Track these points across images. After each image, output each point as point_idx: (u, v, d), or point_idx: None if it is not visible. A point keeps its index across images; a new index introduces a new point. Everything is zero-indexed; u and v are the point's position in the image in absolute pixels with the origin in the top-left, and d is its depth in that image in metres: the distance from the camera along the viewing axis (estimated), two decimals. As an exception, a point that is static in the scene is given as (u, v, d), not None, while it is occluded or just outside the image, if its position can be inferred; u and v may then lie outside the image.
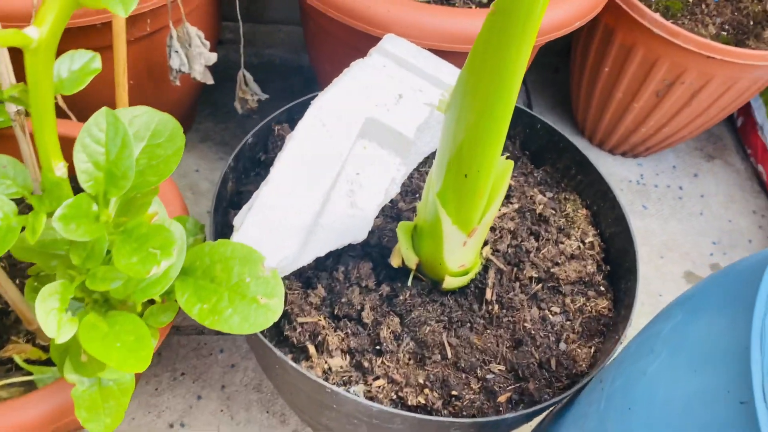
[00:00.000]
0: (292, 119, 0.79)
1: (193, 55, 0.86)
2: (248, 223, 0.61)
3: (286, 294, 0.66)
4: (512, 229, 0.75)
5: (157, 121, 0.55)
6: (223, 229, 0.72)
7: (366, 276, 0.68)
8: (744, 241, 1.20)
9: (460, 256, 0.63)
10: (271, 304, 0.54)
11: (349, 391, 0.63)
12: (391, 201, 0.74)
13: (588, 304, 0.72)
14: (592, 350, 0.69)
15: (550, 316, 0.71)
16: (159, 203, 0.63)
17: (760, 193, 1.27)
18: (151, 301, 0.61)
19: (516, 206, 0.78)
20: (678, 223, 1.20)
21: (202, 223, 0.73)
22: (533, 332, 0.69)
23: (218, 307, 0.54)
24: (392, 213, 0.74)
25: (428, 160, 0.80)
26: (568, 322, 0.71)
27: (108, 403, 0.57)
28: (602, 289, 0.74)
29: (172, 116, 0.57)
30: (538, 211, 0.78)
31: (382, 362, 0.65)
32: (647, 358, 0.46)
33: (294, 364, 0.60)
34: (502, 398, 0.64)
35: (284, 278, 0.68)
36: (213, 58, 0.88)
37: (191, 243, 0.71)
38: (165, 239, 0.48)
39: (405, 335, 0.66)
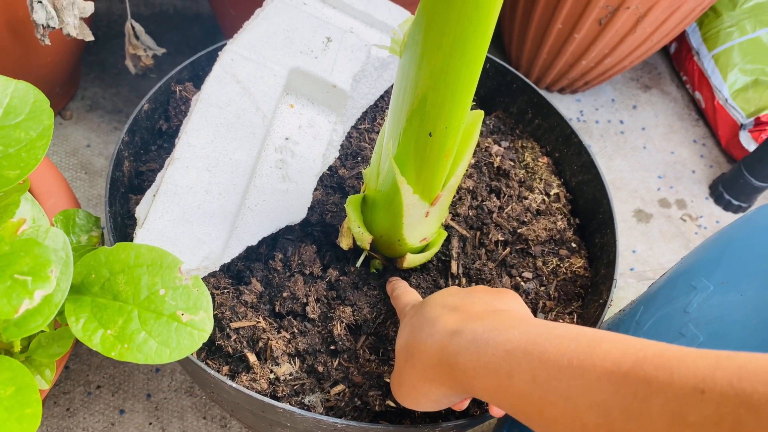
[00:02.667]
0: (198, 76, 0.65)
1: (62, 6, 0.69)
2: (155, 215, 0.48)
3: (213, 297, 0.54)
4: (471, 188, 0.65)
5: (10, 94, 0.41)
6: (125, 221, 0.58)
7: (310, 261, 0.56)
8: (688, 172, 1.16)
9: (423, 229, 0.52)
10: (197, 321, 0.42)
11: (303, 403, 0.52)
12: (330, 168, 0.62)
13: (562, 264, 0.64)
14: (574, 317, 0.61)
15: (522, 283, 0.62)
16: (32, 201, 0.48)
17: (699, 121, 1.23)
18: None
19: (472, 161, 0.68)
20: (623, 160, 1.15)
21: (96, 216, 0.58)
22: (507, 305, 0.60)
23: (127, 332, 0.41)
24: (333, 182, 0.62)
25: (366, 115, 0.68)
26: (543, 288, 0.63)
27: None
28: (574, 245, 0.66)
29: (37, 84, 0.42)
30: (495, 164, 0.68)
31: (340, 363, 0.54)
32: (675, 343, 0.38)
33: (232, 384, 0.48)
34: (482, 388, 0.55)
35: (210, 275, 0.55)
36: (89, 8, 0.71)
37: (85, 242, 0.56)
38: (37, 259, 0.35)
39: (362, 328, 0.56)
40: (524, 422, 0.34)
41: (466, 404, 0.49)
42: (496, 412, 0.47)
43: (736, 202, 1.09)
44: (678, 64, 1.28)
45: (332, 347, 0.54)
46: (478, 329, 0.38)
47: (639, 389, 0.27)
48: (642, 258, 1.04)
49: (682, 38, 1.25)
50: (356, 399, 0.53)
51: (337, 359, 0.54)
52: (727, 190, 1.10)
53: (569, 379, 0.31)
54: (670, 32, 1.00)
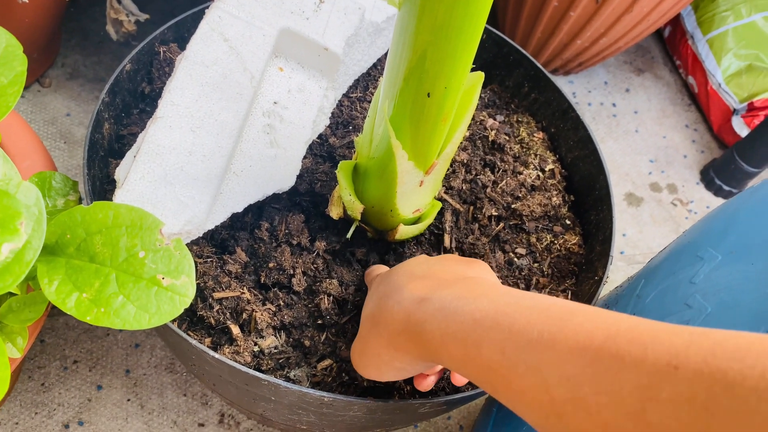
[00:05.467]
0: (183, 38, 0.62)
1: (41, -39, 0.66)
2: (135, 176, 0.46)
3: (196, 265, 0.51)
4: (465, 161, 0.63)
5: (-21, 37, 0.38)
6: (104, 186, 0.56)
7: (297, 231, 0.54)
8: (679, 156, 1.15)
9: (416, 199, 0.50)
10: (178, 285, 0.40)
11: (289, 377, 0.50)
12: (320, 136, 0.60)
13: (556, 241, 0.63)
14: (568, 294, 0.59)
15: (515, 259, 0.61)
16: (3, 156, 0.46)
17: (691, 106, 1.22)
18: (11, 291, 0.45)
19: (466, 134, 0.66)
20: (615, 143, 1.13)
21: (75, 180, 0.56)
22: (500, 280, 0.58)
23: (104, 295, 0.39)
24: (322, 151, 0.60)
25: (358, 84, 0.65)
26: (536, 264, 0.61)
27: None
28: (568, 222, 0.64)
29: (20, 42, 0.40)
30: (490, 138, 0.66)
31: (327, 338, 0.52)
32: (681, 314, 0.36)
33: (215, 354, 0.46)
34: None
35: (192, 242, 0.53)
36: (69, -35, 0.68)
37: (62, 206, 0.54)
38: (6, 210, 0.32)
39: (350, 302, 0.54)
40: (491, 393, 0.33)
41: (431, 381, 0.46)
42: (459, 380, 0.45)
43: (727, 188, 1.08)
44: (672, 48, 1.26)
45: (319, 321, 0.52)
46: (446, 297, 0.37)
47: (611, 364, 0.27)
48: (632, 242, 1.03)
49: (676, 22, 1.23)
50: (344, 374, 0.51)
51: (325, 333, 0.52)
52: (719, 176, 1.09)
53: (539, 352, 0.30)
54: (667, 12, 0.98)
